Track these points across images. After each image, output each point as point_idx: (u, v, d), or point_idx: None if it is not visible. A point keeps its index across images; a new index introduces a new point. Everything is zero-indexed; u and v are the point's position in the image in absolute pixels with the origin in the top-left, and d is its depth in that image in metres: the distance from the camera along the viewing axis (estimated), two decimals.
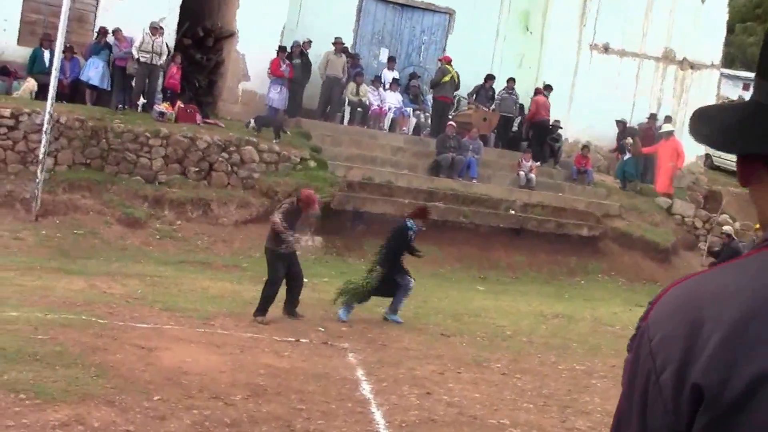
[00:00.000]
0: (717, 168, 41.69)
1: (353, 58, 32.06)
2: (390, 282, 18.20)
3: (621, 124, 34.14)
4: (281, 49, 30.10)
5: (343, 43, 31.44)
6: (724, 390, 1.83)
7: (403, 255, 18.57)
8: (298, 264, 17.54)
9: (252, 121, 28.05)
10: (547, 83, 33.41)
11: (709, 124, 2.09)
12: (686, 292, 2.00)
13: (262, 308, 16.70)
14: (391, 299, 18.47)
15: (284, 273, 17.05)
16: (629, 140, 33.61)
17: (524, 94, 33.17)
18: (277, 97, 29.87)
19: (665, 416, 1.93)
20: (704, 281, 2.00)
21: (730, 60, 47.87)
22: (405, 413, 11.68)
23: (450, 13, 34.47)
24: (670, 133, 33.18)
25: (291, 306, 17.34)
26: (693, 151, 36.32)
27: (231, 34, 30.83)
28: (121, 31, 28.23)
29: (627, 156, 33.41)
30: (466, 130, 30.29)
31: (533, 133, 32.80)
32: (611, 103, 34.04)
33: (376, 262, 18.40)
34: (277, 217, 16.89)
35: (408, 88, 32.85)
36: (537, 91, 32.87)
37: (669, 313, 1.98)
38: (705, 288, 1.97)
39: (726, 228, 28.55)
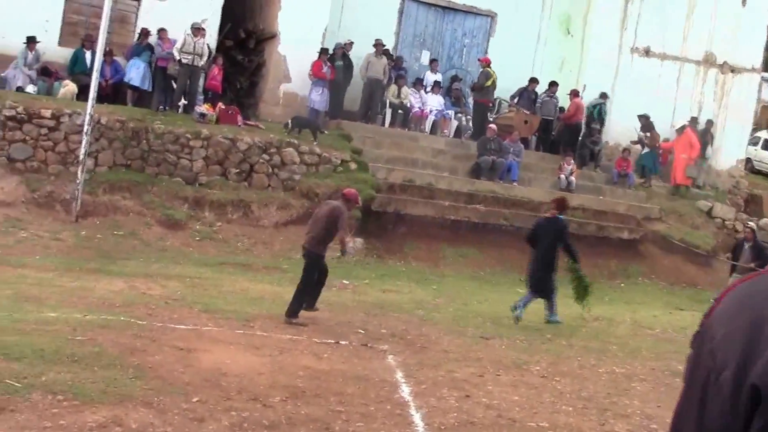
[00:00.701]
0: (758, 172, 41.56)
1: (395, 61, 32.07)
2: (550, 282, 19.48)
3: (643, 118, 33.87)
4: (323, 50, 30.14)
5: (384, 45, 31.44)
6: None
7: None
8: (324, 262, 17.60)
9: (289, 122, 28.11)
10: (603, 92, 33.29)
11: None
12: (749, 291, 1.96)
13: (297, 310, 16.66)
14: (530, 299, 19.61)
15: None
16: (643, 134, 33.50)
17: (565, 98, 33.11)
18: (319, 98, 29.92)
19: (723, 416, 1.89)
20: None
21: None
22: (444, 416, 11.64)
23: (492, 16, 34.42)
24: (683, 128, 33.41)
25: (314, 300, 17.24)
26: (734, 154, 36.27)
27: (273, 36, 30.92)
28: (166, 31, 28.31)
29: (645, 150, 33.36)
30: (507, 133, 30.25)
31: (568, 135, 32.71)
32: (652, 106, 33.83)
33: (572, 263, 19.82)
34: (345, 231, 17.05)
35: (449, 90, 32.81)
36: (575, 93, 32.77)
37: (731, 312, 1.94)
38: None
39: (751, 224, 27.71)
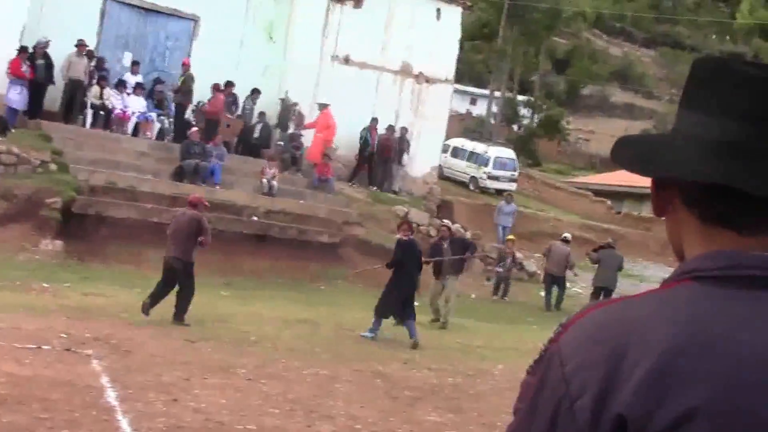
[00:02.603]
0: (447, 179, 43.37)
1: (97, 61, 31.66)
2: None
3: (283, 101, 34.71)
4: (22, 49, 29.44)
5: (87, 46, 30.99)
6: (649, 423, 1.78)
7: None
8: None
9: None
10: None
11: (631, 149, 2.09)
12: (608, 317, 1.94)
13: (184, 312, 18.61)
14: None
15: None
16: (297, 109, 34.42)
17: (267, 102, 33.57)
18: (17, 98, 29.22)
19: None
20: (627, 308, 1.94)
21: (460, 76, 49.87)
22: (151, 420, 11.67)
23: (195, 20, 34.35)
24: (324, 106, 34.16)
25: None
26: (428, 162, 37.62)
27: None
28: None
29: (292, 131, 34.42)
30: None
31: (209, 128, 32.68)
32: (353, 113, 34.62)
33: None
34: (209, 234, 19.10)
35: (152, 93, 32.63)
36: (216, 87, 32.88)
37: (588, 338, 1.91)
38: (629, 315, 1.91)
39: (446, 221, 27.52)
